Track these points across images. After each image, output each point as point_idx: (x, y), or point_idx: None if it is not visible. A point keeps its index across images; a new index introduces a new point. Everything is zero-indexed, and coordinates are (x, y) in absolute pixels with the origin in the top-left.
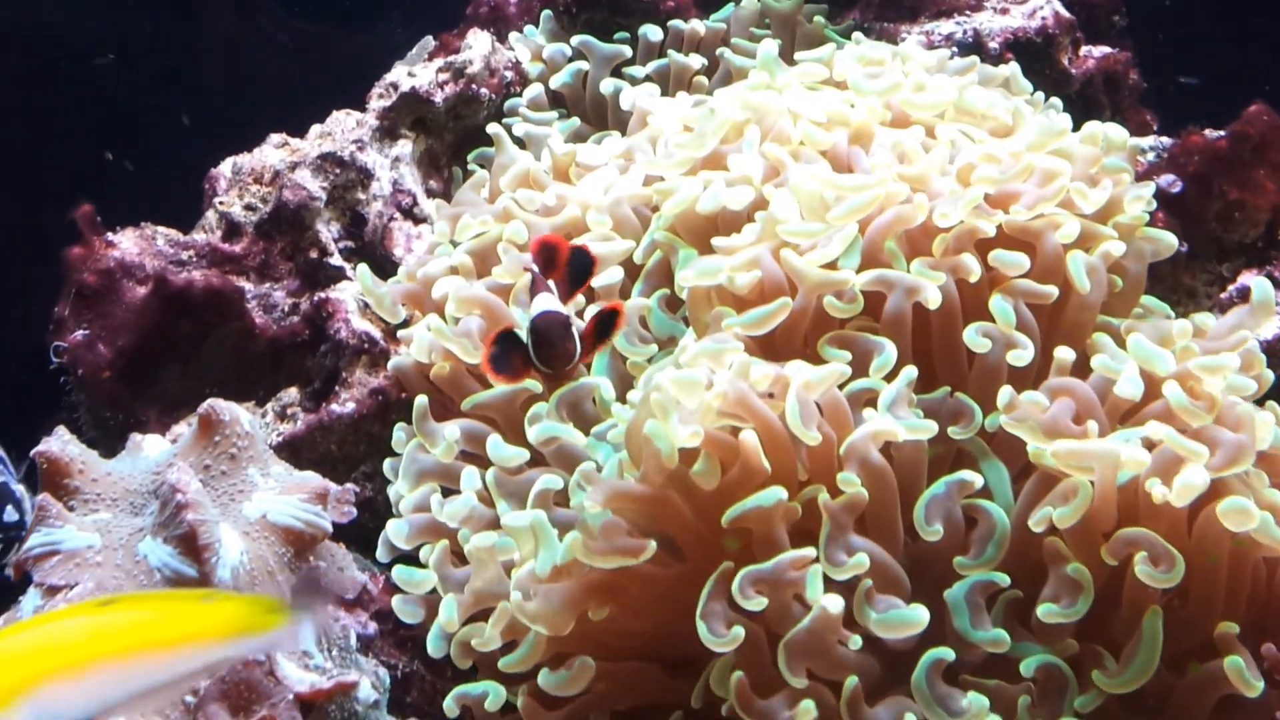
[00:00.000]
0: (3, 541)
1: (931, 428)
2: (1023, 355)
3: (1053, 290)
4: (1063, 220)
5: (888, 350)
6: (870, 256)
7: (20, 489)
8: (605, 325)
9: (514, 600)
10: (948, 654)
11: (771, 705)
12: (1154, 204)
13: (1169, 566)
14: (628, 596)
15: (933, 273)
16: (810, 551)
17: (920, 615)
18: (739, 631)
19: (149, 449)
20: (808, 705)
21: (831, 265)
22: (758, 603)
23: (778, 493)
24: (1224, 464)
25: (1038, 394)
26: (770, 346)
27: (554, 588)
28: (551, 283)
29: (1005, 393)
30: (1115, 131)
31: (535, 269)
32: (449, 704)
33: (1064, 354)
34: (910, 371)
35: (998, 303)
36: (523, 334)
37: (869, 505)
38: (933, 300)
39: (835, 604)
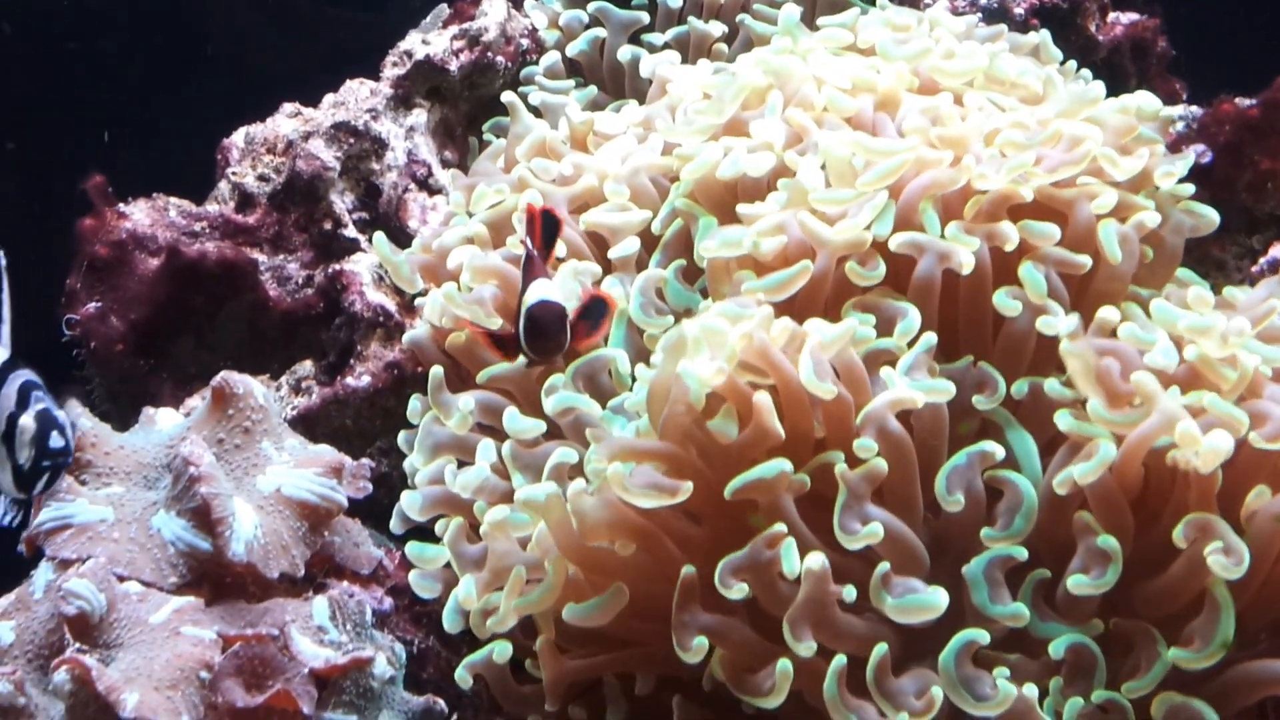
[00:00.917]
0: (50, 469)
1: (949, 388)
2: (1053, 323)
3: (1086, 260)
4: (1099, 190)
5: (911, 315)
6: (904, 221)
7: (63, 415)
8: (593, 313)
9: (573, 489)
10: (981, 636)
11: (758, 678)
12: (1182, 176)
13: (1239, 560)
14: (650, 545)
15: (967, 238)
16: (781, 528)
17: (938, 599)
18: (702, 642)
19: (162, 422)
20: (784, 665)
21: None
22: (739, 590)
23: (782, 464)
24: (1274, 435)
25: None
26: (790, 314)
27: (594, 505)
28: (550, 268)
29: (1070, 320)
30: (1147, 100)
31: (531, 247)
32: (461, 674)
33: (1108, 313)
34: (930, 338)
35: (1028, 270)
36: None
37: (887, 475)
38: (966, 264)
39: (817, 561)
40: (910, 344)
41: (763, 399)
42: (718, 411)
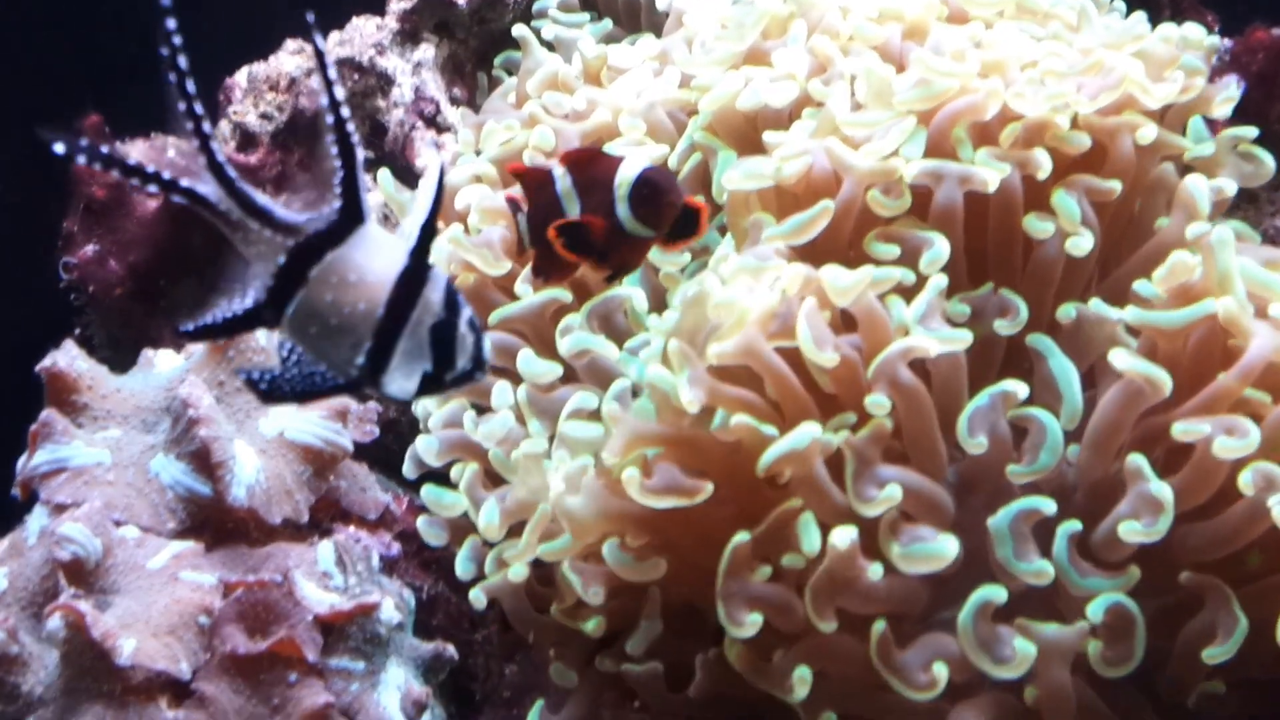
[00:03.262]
0: (471, 382)
1: (966, 337)
2: (1081, 244)
3: (1116, 185)
4: (1140, 122)
5: (937, 244)
6: (935, 149)
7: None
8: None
9: (554, 492)
10: (998, 594)
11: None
12: (1235, 103)
13: None
14: (667, 537)
15: (997, 163)
16: (796, 502)
17: (947, 548)
18: (756, 619)
19: (161, 365)
20: (802, 673)
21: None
22: (762, 572)
23: (812, 431)
24: None
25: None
26: (812, 248)
27: (601, 494)
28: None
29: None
30: (1192, 30)
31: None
32: (476, 594)
33: (1184, 257)
34: (940, 280)
35: (1061, 196)
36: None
37: (905, 427)
38: (991, 183)
39: (844, 538)
40: (922, 282)
41: (740, 420)
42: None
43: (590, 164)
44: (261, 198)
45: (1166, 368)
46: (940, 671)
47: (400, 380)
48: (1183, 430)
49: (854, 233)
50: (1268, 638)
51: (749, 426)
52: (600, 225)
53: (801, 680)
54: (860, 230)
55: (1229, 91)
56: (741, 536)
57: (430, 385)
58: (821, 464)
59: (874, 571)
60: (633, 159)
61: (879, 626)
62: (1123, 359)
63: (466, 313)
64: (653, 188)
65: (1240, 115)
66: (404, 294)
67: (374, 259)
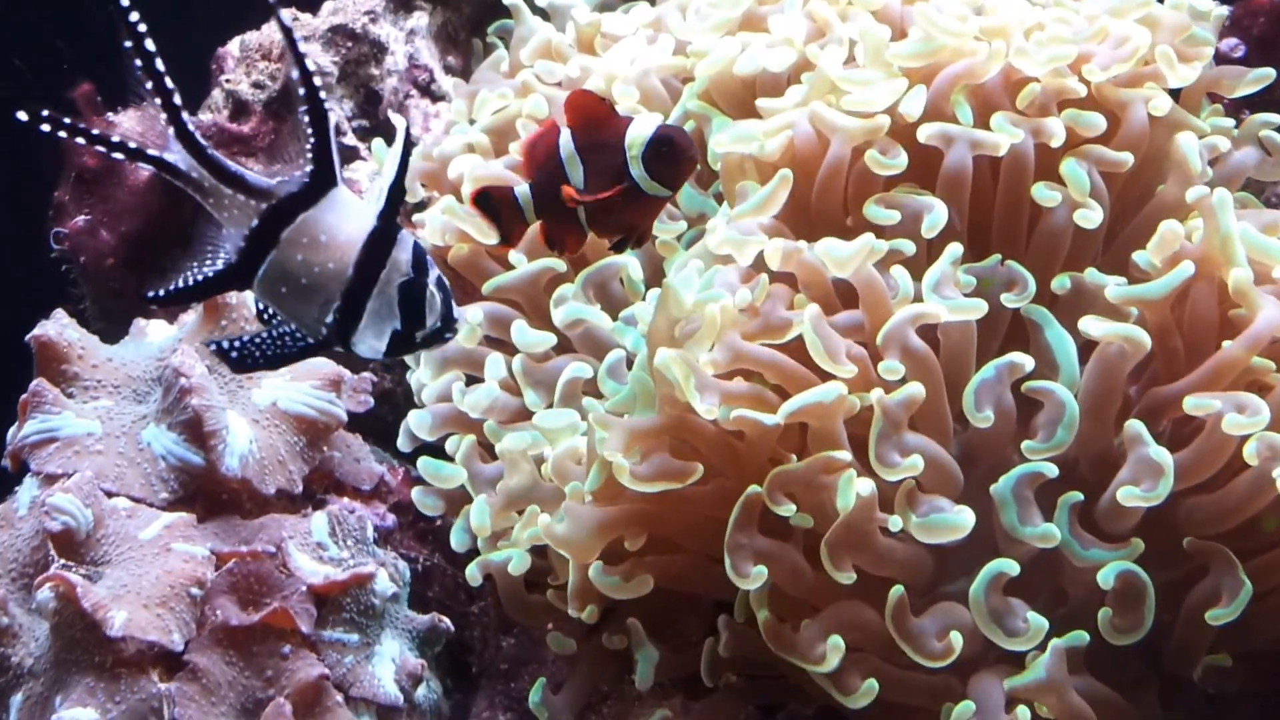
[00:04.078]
0: (439, 343)
1: (981, 307)
2: (1091, 216)
3: (1127, 157)
4: (1154, 93)
5: (937, 209)
6: (935, 112)
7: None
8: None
9: (542, 523)
10: (1010, 567)
11: (804, 638)
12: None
13: None
14: (666, 524)
15: (1011, 128)
16: (846, 455)
17: (964, 519)
18: (762, 571)
19: (153, 335)
20: (835, 641)
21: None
22: (787, 508)
23: (839, 388)
24: None
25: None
26: (805, 214)
27: (583, 510)
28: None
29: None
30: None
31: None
32: (472, 571)
33: (1173, 226)
34: (956, 249)
35: (1070, 166)
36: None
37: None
38: (1001, 146)
39: (866, 487)
40: (935, 244)
41: (741, 415)
42: None
43: (596, 126)
44: (232, 164)
45: (1158, 337)
46: (956, 640)
47: (370, 339)
48: (1193, 405)
49: (854, 197)
50: (1273, 608)
51: (752, 420)
52: (617, 192)
53: (835, 649)
54: (860, 195)
55: (1259, 73)
56: (753, 489)
57: (400, 344)
58: (842, 425)
59: (893, 524)
60: (642, 118)
61: (897, 590)
62: (1095, 325)
63: (434, 273)
64: (671, 145)
65: None
66: (372, 254)
67: (344, 221)
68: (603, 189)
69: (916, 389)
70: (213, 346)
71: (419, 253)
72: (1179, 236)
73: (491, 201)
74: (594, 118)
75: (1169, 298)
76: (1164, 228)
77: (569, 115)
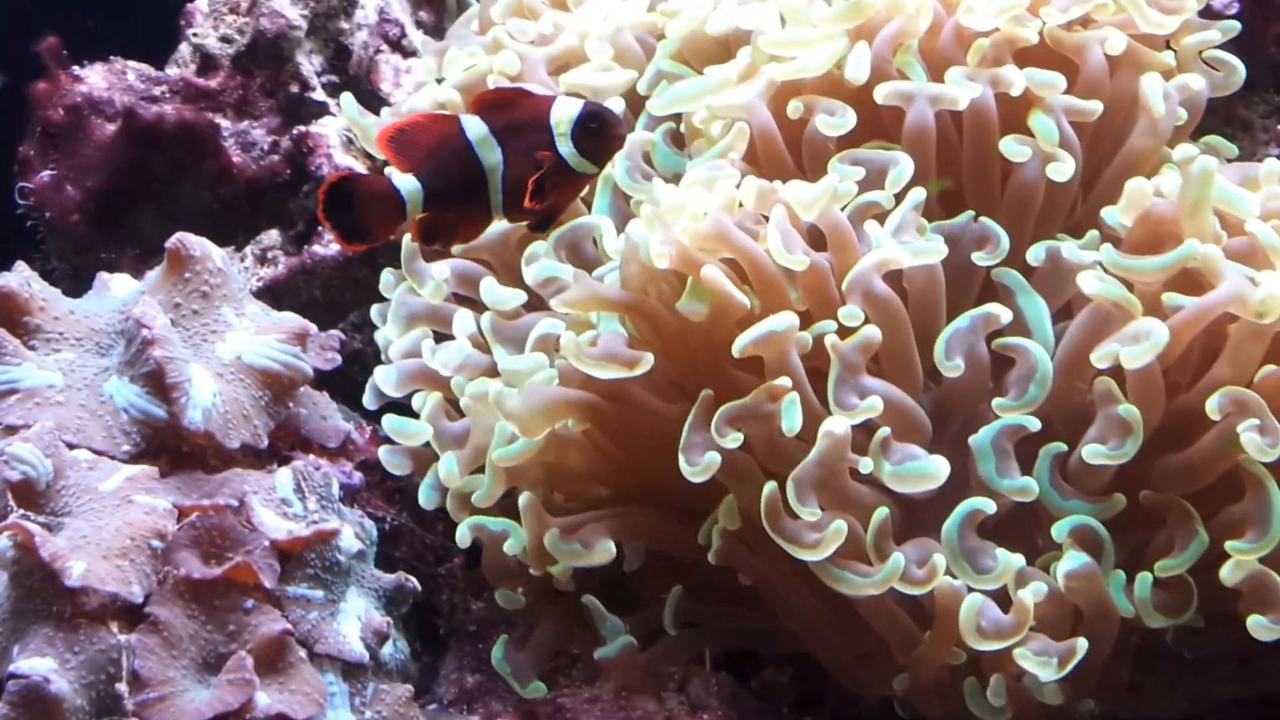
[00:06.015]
0: None
1: (940, 249)
2: (1063, 169)
3: (1097, 106)
4: (1107, 33)
5: (902, 163)
6: (880, 73)
7: None
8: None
9: (493, 393)
10: (986, 505)
11: (798, 526)
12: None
13: (1275, 441)
14: (611, 419)
15: (967, 83)
16: (785, 381)
17: (939, 468)
18: (714, 458)
19: (117, 288)
20: (839, 526)
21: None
22: (733, 439)
23: (791, 318)
24: None
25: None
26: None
27: (538, 389)
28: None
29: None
30: None
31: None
32: (462, 531)
33: (1140, 184)
34: (919, 193)
35: (1038, 118)
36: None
37: (881, 342)
38: (961, 101)
39: (840, 425)
40: (900, 197)
41: (711, 272)
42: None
43: (508, 107)
44: None
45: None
46: (939, 562)
47: None
48: (1100, 357)
49: (813, 156)
50: None
51: (722, 292)
52: (549, 167)
53: (837, 533)
54: (818, 155)
55: (1206, 35)
56: (707, 393)
57: None
58: (796, 355)
59: (864, 465)
60: (563, 98)
61: (881, 513)
62: (1091, 282)
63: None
64: (600, 121)
65: (1234, 38)
66: None
67: None
68: (525, 170)
69: (872, 331)
70: None
71: None
72: (1147, 195)
73: (354, 198)
74: (502, 100)
75: (1164, 275)
76: (1131, 186)
77: (472, 104)
